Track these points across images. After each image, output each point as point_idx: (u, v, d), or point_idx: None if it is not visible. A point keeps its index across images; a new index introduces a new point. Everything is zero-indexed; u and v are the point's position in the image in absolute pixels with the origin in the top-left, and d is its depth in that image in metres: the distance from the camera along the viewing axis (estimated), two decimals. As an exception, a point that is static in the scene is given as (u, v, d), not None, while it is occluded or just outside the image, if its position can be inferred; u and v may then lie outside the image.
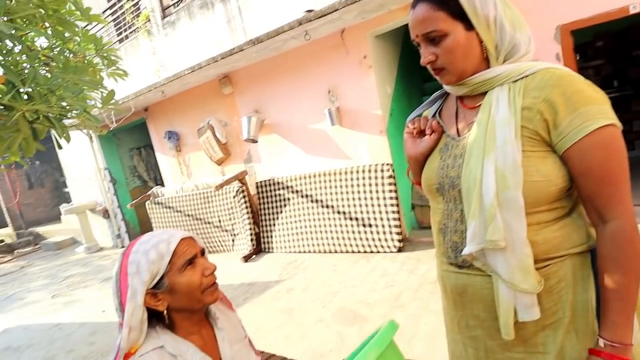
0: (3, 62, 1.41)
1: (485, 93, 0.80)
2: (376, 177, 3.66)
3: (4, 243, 9.24)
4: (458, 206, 0.82)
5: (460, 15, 0.75)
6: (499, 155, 0.73)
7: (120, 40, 5.49)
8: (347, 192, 3.85)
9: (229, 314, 0.99)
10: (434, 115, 0.96)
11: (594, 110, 0.70)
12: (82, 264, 6.15)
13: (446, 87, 0.88)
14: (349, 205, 3.83)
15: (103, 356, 2.91)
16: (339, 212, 3.89)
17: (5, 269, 7.24)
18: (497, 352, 0.82)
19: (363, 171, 3.76)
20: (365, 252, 3.73)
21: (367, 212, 3.69)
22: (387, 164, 3.62)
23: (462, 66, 0.79)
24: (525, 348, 0.79)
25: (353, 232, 3.78)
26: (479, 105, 0.81)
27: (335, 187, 3.94)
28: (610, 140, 0.70)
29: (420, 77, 4.82)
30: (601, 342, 0.70)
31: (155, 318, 0.84)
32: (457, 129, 0.87)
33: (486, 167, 0.74)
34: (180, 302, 0.82)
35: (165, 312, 0.84)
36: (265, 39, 3.47)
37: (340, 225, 3.87)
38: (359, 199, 3.75)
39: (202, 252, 0.88)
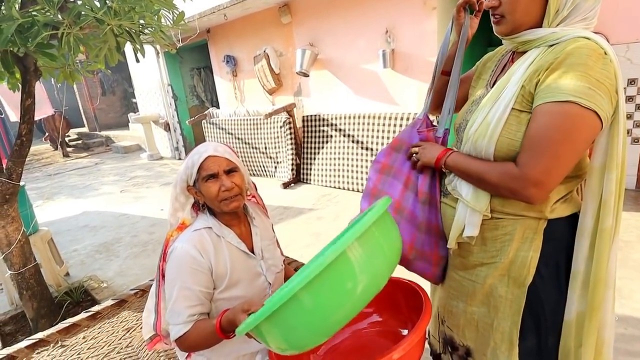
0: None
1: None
2: (419, 126, 3.67)
3: (81, 141, 10.52)
4: (460, 145, 0.96)
5: None
6: (493, 109, 0.83)
7: (189, -44, 5.51)
8: (388, 137, 3.92)
9: (263, 218, 1.24)
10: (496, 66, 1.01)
11: (573, 85, 0.72)
12: (146, 169, 6.96)
13: (503, 41, 0.93)
14: (387, 150, 3.93)
15: (159, 244, 3.50)
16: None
17: (83, 163, 8.36)
18: (450, 269, 1.03)
19: (407, 119, 3.77)
20: (396, 196, 3.90)
21: (405, 160, 3.78)
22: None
23: (520, 19, 0.81)
24: (465, 274, 0.98)
25: (387, 176, 3.92)
26: None
27: (378, 130, 4.02)
28: (559, 114, 0.73)
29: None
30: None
31: (207, 208, 1.10)
32: (495, 82, 0.94)
33: (480, 115, 0.85)
34: (208, 203, 1.07)
35: (206, 206, 1.10)
36: (330, -32, 3.38)
37: (377, 168, 4.02)
38: (399, 145, 3.83)
39: (230, 171, 1.04)
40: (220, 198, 1.02)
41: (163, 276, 1.04)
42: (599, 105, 0.71)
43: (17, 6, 1.57)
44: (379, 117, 4.01)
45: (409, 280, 0.99)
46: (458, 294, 1.00)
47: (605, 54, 0.75)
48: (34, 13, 1.57)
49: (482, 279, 0.93)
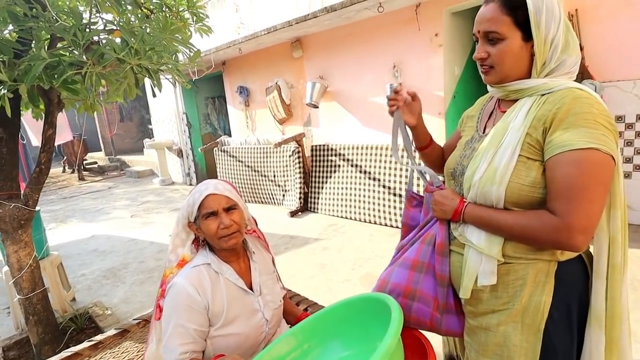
0: (120, 23, 1.75)
1: (517, 100, 0.89)
2: (427, 158, 3.70)
3: (97, 165, 10.81)
4: (461, 190, 0.96)
5: (523, 25, 0.82)
6: (497, 155, 0.84)
7: (209, -5, 5.85)
8: (394, 169, 3.96)
9: (263, 252, 1.26)
10: (481, 112, 1.05)
11: (585, 132, 0.75)
12: (157, 194, 7.08)
13: (489, 88, 0.97)
14: (394, 181, 3.95)
15: (166, 270, 3.51)
16: (384, 186, 4.04)
17: (97, 187, 8.55)
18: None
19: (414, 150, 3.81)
20: (403, 227, 3.88)
21: (412, 191, 3.79)
22: (440, 147, 3.64)
23: (508, 71, 0.86)
24: (475, 321, 0.94)
25: (394, 207, 3.92)
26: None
27: (385, 161, 4.06)
28: (585, 161, 0.74)
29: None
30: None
31: (207, 244, 1.13)
32: (485, 127, 0.98)
33: (482, 163, 0.87)
34: (208, 240, 1.09)
35: (206, 242, 1.12)
36: (340, 7, 3.55)
37: (383, 199, 4.03)
38: (406, 176, 3.85)
39: (229, 208, 1.06)
40: (219, 235, 1.04)
41: (160, 311, 1.05)
42: (613, 149, 0.76)
43: (46, 46, 1.70)
44: (386, 148, 4.06)
45: (412, 329, 0.97)
46: (471, 341, 0.96)
47: (600, 103, 0.79)
48: (61, 52, 1.69)
49: (495, 327, 0.89)
